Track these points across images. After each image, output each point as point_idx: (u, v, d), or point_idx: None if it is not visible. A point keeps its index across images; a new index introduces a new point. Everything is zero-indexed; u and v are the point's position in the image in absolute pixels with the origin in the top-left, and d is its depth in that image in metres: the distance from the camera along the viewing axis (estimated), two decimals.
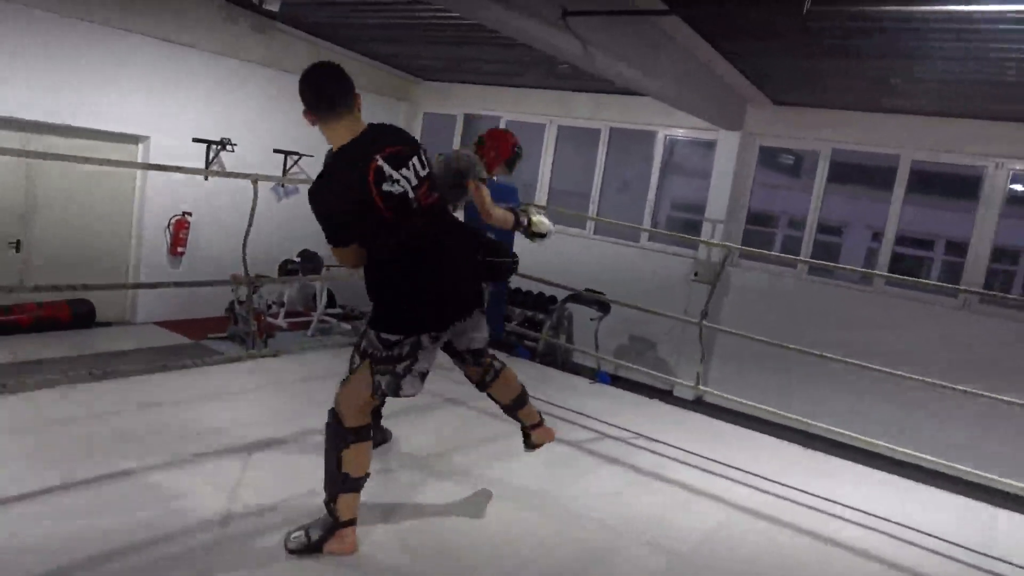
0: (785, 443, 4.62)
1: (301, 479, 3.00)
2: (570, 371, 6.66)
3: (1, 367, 6.65)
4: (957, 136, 7.38)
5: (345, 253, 2.55)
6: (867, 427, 5.25)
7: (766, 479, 3.85)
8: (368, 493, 2.68)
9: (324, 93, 2.47)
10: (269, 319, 9.06)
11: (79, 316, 7.93)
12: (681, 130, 9.08)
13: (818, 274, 8.28)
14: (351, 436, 2.58)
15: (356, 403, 2.60)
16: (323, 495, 2.63)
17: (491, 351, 2.98)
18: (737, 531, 3.28)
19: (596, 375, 6.96)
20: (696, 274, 8.76)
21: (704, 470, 3.88)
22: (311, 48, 9.45)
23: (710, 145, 8.91)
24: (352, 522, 2.66)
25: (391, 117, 10.63)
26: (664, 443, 4.16)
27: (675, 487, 3.63)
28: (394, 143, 2.52)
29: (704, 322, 5.16)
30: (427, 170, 2.59)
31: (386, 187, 2.43)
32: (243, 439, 3.42)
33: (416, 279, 2.57)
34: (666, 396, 7.74)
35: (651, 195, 9.32)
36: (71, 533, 2.53)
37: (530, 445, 3.16)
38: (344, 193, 2.46)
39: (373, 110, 10.35)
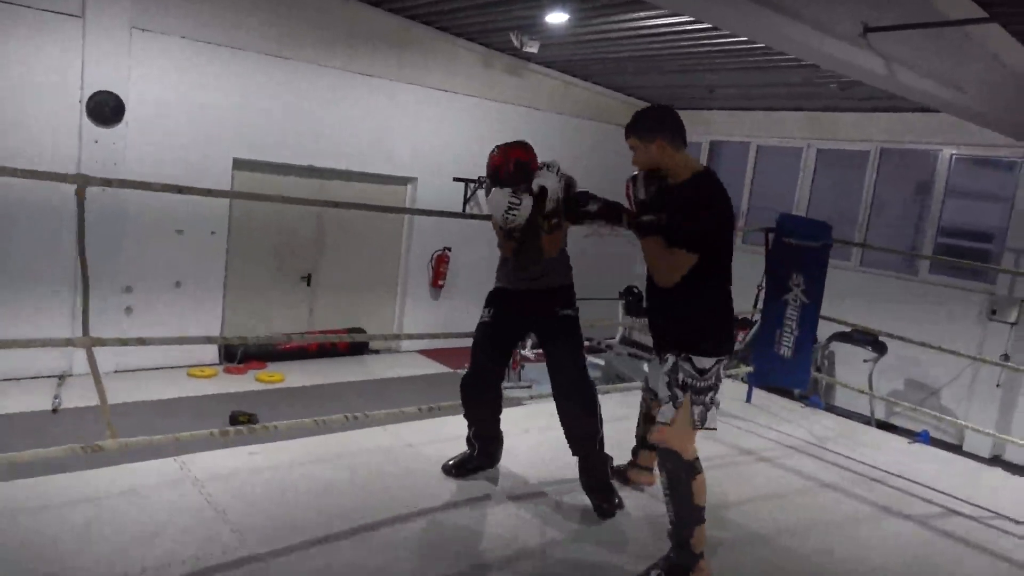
0: None
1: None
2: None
3: (300, 389, 7.43)
4: None
5: (684, 259, 2.54)
6: None
7: None
8: None
9: (683, 129, 2.69)
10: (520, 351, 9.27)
11: (355, 345, 8.65)
12: (973, 148, 8.01)
13: None
14: (694, 467, 2.62)
15: (688, 437, 2.63)
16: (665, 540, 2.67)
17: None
18: None
19: (917, 436, 5.82)
20: (994, 312, 7.62)
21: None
22: (560, 85, 9.68)
23: (987, 163, 7.82)
24: (702, 554, 2.67)
25: None
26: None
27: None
28: None
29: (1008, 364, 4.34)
30: None
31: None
32: (529, 482, 3.38)
33: (728, 302, 2.72)
34: (955, 451, 6.74)
35: (932, 221, 8.31)
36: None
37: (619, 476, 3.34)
38: (727, 209, 2.64)
39: (614, 140, 10.36)
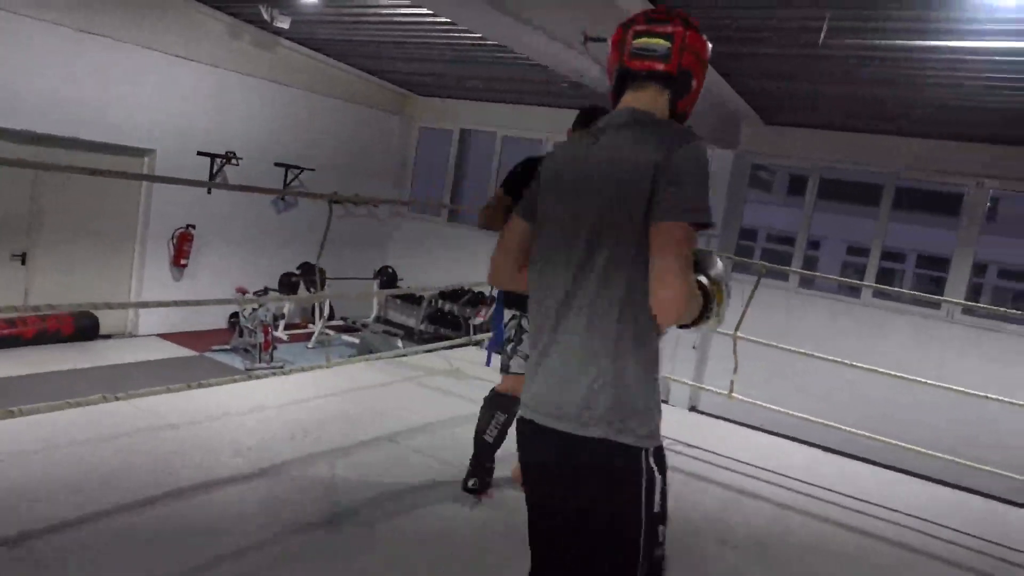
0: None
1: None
2: None
3: (10, 380, 6.64)
4: (941, 157, 7.79)
5: None
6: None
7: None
8: None
9: None
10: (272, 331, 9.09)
11: (82, 329, 7.92)
12: None
13: (808, 287, 8.65)
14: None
15: None
16: None
17: None
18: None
19: None
20: None
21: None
22: (313, 63, 9.60)
23: None
24: None
25: (386, 130, 10.85)
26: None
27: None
28: None
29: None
30: None
31: None
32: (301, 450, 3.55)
33: None
34: (662, 404, 7.97)
35: None
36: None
37: None
38: None
39: (368, 123, 10.54)
